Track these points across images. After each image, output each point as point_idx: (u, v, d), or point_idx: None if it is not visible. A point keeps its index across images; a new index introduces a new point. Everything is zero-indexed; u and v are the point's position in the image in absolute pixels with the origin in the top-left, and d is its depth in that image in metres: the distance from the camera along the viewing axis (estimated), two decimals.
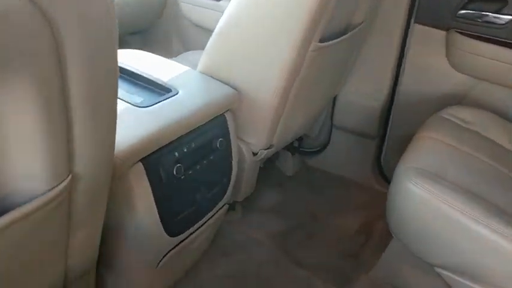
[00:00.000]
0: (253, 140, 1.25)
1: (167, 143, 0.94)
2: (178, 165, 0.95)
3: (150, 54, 1.23)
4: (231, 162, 1.16)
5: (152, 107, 0.98)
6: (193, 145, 1.01)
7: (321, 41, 1.13)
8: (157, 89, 1.07)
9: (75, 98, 0.54)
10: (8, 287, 0.68)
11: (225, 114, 1.11)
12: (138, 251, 0.99)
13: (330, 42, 1.18)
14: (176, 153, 0.96)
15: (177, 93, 1.04)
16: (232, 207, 1.50)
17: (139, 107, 0.96)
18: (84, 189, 0.66)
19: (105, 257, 0.99)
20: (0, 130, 0.50)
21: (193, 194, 1.04)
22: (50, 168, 0.57)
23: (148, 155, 0.90)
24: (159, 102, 1.00)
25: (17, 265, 0.65)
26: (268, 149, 1.29)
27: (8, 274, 0.64)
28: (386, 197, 1.19)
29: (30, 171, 0.56)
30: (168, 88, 1.06)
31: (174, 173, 0.95)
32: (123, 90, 1.05)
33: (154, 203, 0.93)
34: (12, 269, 0.64)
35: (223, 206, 1.21)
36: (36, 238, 0.63)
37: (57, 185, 0.59)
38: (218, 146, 1.06)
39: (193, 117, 1.00)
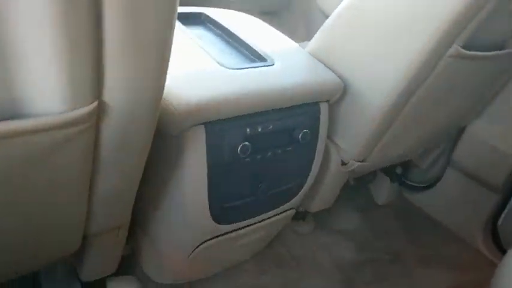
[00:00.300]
0: (345, 146, 1.05)
1: (241, 114, 0.80)
2: (246, 143, 0.80)
3: (259, 21, 1.10)
4: (312, 163, 0.98)
5: (240, 70, 0.84)
6: (270, 127, 0.85)
7: (464, 47, 0.89)
8: (253, 56, 0.93)
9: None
10: (23, 217, 0.60)
11: (320, 103, 0.93)
12: (175, 225, 0.87)
13: (476, 53, 0.93)
14: (248, 130, 0.82)
15: (272, 64, 0.89)
16: (301, 216, 1.31)
17: (226, 67, 0.83)
18: (115, 127, 0.55)
19: (141, 218, 0.89)
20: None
21: (255, 184, 0.88)
22: (69, 82, 0.46)
23: (214, 121, 0.77)
24: (249, 67, 0.86)
25: (32, 190, 0.56)
26: (361, 162, 1.08)
27: (24, 197, 0.55)
28: (493, 267, 0.91)
29: (45, 77, 0.45)
30: (264, 57, 0.91)
31: (239, 151, 0.80)
32: (217, 48, 0.93)
33: (206, 177, 0.80)
34: (26, 194, 0.55)
35: (289, 210, 1.04)
36: (51, 165, 0.53)
37: (77, 108, 0.48)
38: (300, 138, 0.89)
39: (282, 95, 0.84)
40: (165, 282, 1.05)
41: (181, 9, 1.02)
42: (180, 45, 0.87)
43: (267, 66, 0.89)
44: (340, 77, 0.95)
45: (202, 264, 1.01)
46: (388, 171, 1.52)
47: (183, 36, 0.91)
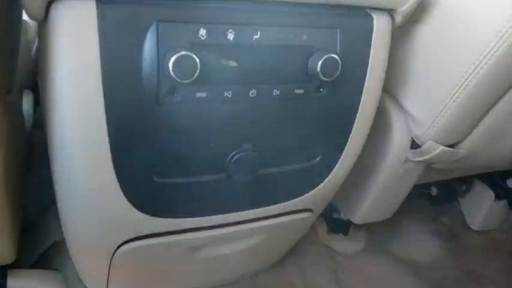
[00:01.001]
0: (421, 112, 0.57)
1: None
2: (192, 57, 0.38)
3: None
4: (349, 129, 0.52)
5: None
6: (256, 36, 0.41)
7: None
8: None
9: None
10: None
11: (374, 14, 0.48)
12: (66, 205, 0.48)
13: None
14: (203, 29, 0.39)
15: None
16: (341, 227, 0.85)
17: None
18: None
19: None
20: None
21: (222, 149, 0.46)
22: None
23: None
24: None
25: None
26: (449, 147, 0.59)
27: None
28: None
29: None
30: None
31: (171, 70, 0.38)
32: None
33: (104, 116, 0.39)
34: None
35: (302, 212, 0.59)
36: None
37: None
38: (323, 73, 0.44)
39: None
40: None
41: None
42: None
43: None
44: None
45: (143, 278, 0.61)
46: (494, 181, 0.99)
47: None
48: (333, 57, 0.44)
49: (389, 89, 0.59)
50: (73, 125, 0.40)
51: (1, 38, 0.47)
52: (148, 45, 0.38)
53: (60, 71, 0.38)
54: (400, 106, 0.59)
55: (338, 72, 0.45)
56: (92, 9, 0.36)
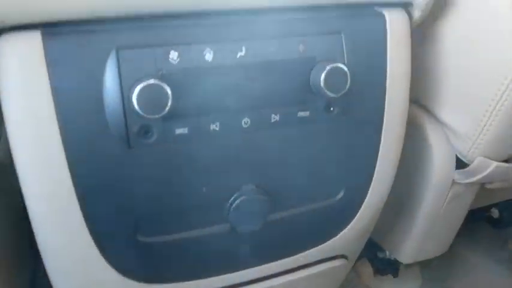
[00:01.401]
0: (463, 123, 0.47)
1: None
2: (162, 86, 0.31)
3: None
4: (375, 154, 0.43)
5: None
6: (241, 52, 0.34)
7: None
8: None
9: None
10: None
11: (385, 12, 0.39)
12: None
13: None
14: (174, 51, 0.32)
15: None
16: (389, 267, 0.73)
17: None
18: None
19: None
20: None
21: (213, 194, 0.38)
22: None
23: (69, 22, 0.30)
24: None
25: None
26: (505, 161, 0.48)
27: None
28: None
29: None
30: None
31: (135, 103, 0.31)
32: None
33: (64, 159, 0.32)
34: None
35: (333, 260, 0.49)
36: None
37: None
38: (326, 85, 0.36)
39: None
40: None
41: None
42: None
43: None
44: None
45: None
46: None
47: None
48: (338, 67, 0.35)
49: (420, 99, 0.50)
50: (34, 186, 0.33)
51: None
52: (109, 78, 0.32)
53: (10, 123, 0.32)
54: (436, 119, 0.49)
55: (347, 85, 0.36)
56: (37, 43, 0.30)
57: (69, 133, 0.32)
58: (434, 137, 0.49)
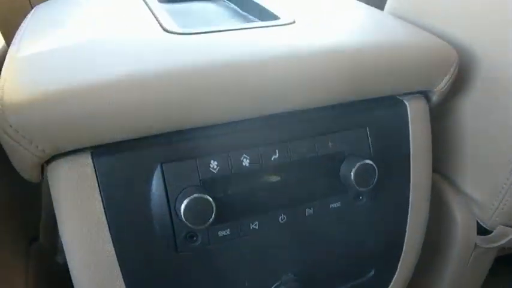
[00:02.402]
0: (482, 191, 0.49)
1: (190, 124, 0.34)
2: (206, 200, 0.33)
3: None
4: (402, 232, 0.44)
5: (198, 36, 0.38)
6: (275, 156, 0.36)
7: None
8: (258, 15, 0.48)
9: None
10: None
11: (406, 99, 0.42)
12: None
13: None
14: (214, 165, 0.35)
15: (289, 23, 0.42)
16: None
17: (173, 32, 0.39)
18: None
19: None
20: None
21: None
22: None
23: (115, 144, 0.33)
24: (224, 30, 0.40)
25: None
26: None
27: None
28: None
29: None
30: (275, 15, 0.45)
31: (183, 217, 0.33)
32: (180, 12, 0.50)
33: (119, 271, 0.34)
34: None
35: None
36: None
37: None
38: (357, 180, 0.38)
39: (304, 73, 0.36)
40: None
41: None
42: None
43: (276, 25, 0.41)
44: (449, 41, 0.43)
45: None
46: None
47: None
48: (367, 164, 0.37)
49: (440, 168, 0.51)
50: None
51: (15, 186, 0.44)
52: (156, 191, 0.34)
53: (65, 234, 0.34)
54: (457, 188, 0.51)
55: (376, 179, 0.38)
56: (88, 164, 0.32)
57: (121, 239, 0.33)
58: (456, 206, 0.50)
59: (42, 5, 0.54)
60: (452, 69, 0.42)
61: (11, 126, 0.29)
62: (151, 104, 0.32)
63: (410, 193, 0.43)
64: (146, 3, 0.48)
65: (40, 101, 0.30)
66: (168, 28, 0.40)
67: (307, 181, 0.38)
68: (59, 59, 0.34)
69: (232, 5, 0.55)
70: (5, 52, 0.38)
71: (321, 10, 0.50)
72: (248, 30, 0.40)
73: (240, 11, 0.52)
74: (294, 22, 0.43)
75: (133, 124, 0.32)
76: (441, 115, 0.49)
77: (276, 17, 0.44)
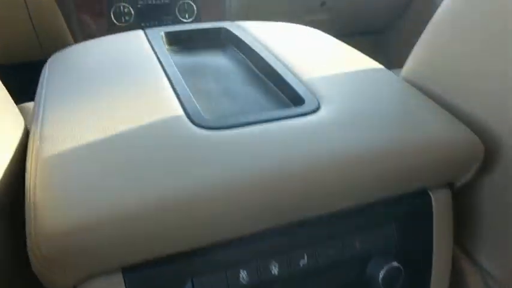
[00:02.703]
0: (497, 266, 0.49)
1: (219, 239, 0.33)
2: None
3: (330, 39, 0.61)
4: None
5: (224, 132, 0.38)
6: (301, 263, 0.36)
7: None
8: (284, 96, 0.47)
9: None
10: None
11: (431, 192, 0.41)
12: None
13: None
14: (244, 275, 0.34)
15: (314, 110, 0.41)
16: None
17: (200, 126, 0.38)
18: None
19: None
20: None
21: None
22: None
23: (145, 263, 0.32)
24: (248, 124, 0.39)
25: None
26: None
27: None
28: None
29: None
30: (302, 97, 0.44)
31: None
32: (206, 89, 0.49)
33: None
34: None
35: None
36: None
37: None
38: (384, 282, 0.38)
39: (326, 184, 0.36)
40: None
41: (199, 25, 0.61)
42: (132, 88, 0.45)
43: (301, 115, 0.40)
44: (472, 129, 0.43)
45: None
46: None
47: (151, 71, 0.48)
48: (394, 267, 0.37)
49: (467, 245, 0.52)
50: None
51: None
52: None
53: None
54: (473, 260, 0.51)
55: (402, 279, 0.38)
56: (120, 282, 0.32)
57: None
58: (472, 282, 0.51)
59: (56, 61, 0.52)
60: (478, 159, 0.41)
61: (44, 255, 0.29)
62: (193, 223, 0.31)
63: (431, 279, 0.43)
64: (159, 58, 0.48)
65: (77, 230, 0.29)
66: (196, 120, 0.39)
67: (333, 281, 0.38)
68: (92, 173, 0.33)
69: (245, 59, 0.54)
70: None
71: (342, 81, 0.48)
72: (276, 123, 0.39)
73: (255, 69, 0.52)
74: (319, 108, 0.42)
75: (170, 244, 0.32)
76: (458, 190, 0.49)
77: (297, 95, 0.44)
